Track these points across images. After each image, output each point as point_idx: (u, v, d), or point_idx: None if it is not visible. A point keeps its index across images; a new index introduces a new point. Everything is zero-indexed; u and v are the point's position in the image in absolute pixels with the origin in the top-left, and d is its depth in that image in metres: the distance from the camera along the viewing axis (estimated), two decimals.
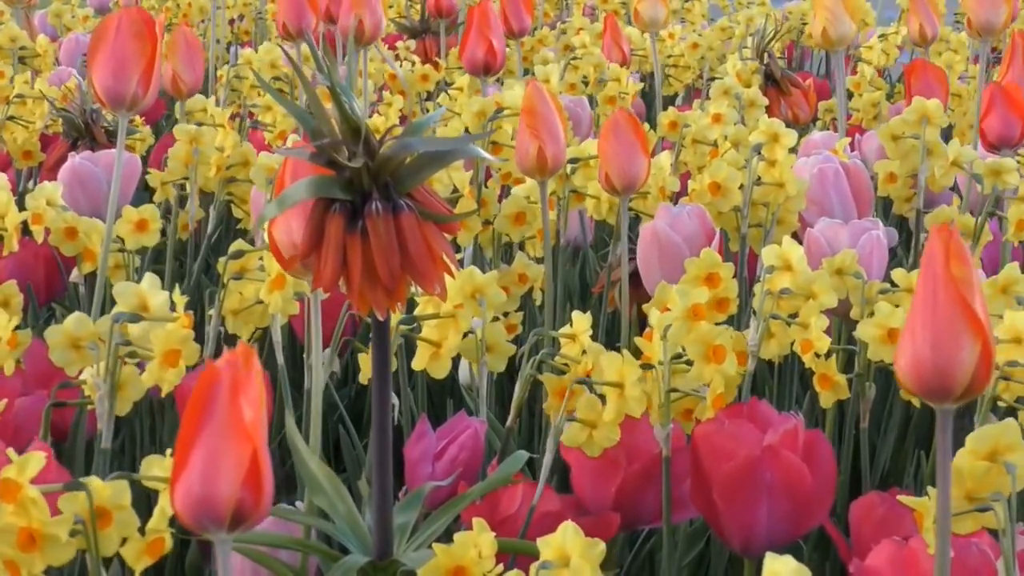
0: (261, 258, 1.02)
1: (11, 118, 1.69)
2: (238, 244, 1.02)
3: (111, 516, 0.73)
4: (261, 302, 1.04)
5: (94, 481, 0.73)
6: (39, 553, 0.71)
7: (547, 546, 0.70)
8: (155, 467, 0.75)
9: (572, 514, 0.91)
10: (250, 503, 0.54)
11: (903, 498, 0.75)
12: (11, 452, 0.72)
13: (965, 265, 0.60)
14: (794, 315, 1.01)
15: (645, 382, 0.90)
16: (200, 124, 1.54)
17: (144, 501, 1.07)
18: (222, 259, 1.02)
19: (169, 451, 0.76)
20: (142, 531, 0.74)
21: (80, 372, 0.90)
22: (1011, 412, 0.96)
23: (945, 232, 0.60)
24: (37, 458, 0.71)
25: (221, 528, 0.54)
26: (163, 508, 0.74)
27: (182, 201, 1.42)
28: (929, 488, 0.74)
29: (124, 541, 0.74)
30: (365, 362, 1.01)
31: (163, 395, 0.89)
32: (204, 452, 0.53)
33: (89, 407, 0.92)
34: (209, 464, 0.53)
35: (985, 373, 0.60)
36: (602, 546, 0.69)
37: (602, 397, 0.89)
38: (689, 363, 0.92)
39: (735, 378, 0.92)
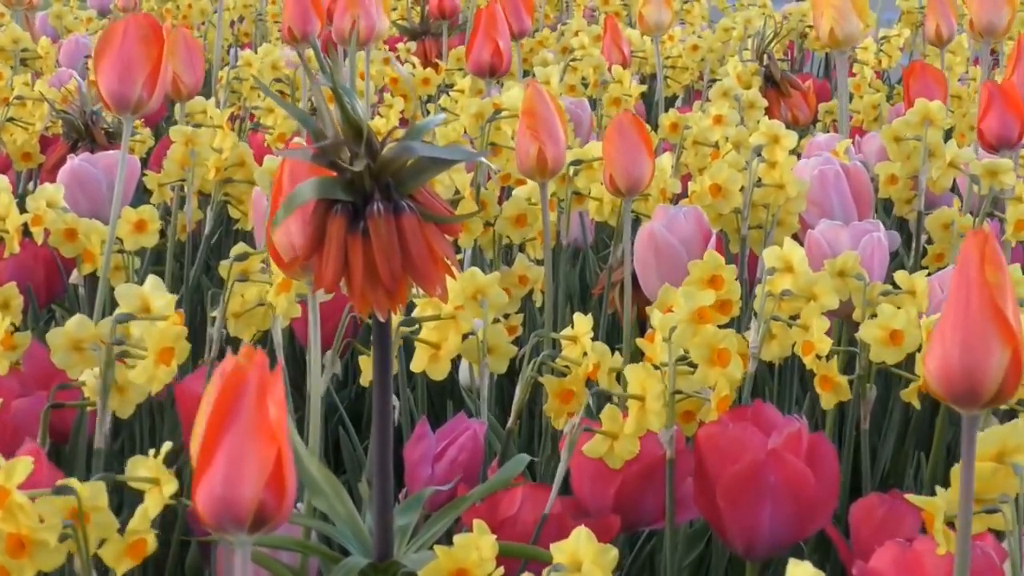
0: (264, 260, 1.02)
1: (11, 120, 1.69)
2: (241, 247, 1.02)
3: (88, 518, 0.73)
4: (263, 304, 1.04)
5: (75, 483, 0.73)
6: (28, 559, 0.71)
7: (559, 551, 0.70)
8: (140, 468, 0.75)
9: (572, 516, 0.91)
10: (272, 505, 0.53)
11: (912, 497, 0.75)
12: None
13: (999, 270, 0.59)
14: (795, 317, 1.01)
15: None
16: (199, 126, 1.54)
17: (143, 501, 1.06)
18: (224, 261, 1.02)
19: (152, 451, 0.76)
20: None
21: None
22: (1011, 414, 0.96)
23: (981, 236, 0.59)
24: (25, 463, 0.70)
25: (242, 530, 0.53)
26: (146, 509, 0.74)
27: (181, 202, 1.42)
28: (938, 488, 0.74)
29: (103, 543, 0.73)
30: (366, 364, 1.01)
31: (154, 393, 0.89)
32: (228, 453, 0.53)
33: (89, 408, 0.91)
34: (233, 465, 0.53)
35: (1015, 380, 0.59)
36: (614, 552, 0.69)
37: (607, 398, 0.89)
38: (692, 364, 0.92)
39: (736, 380, 0.92)
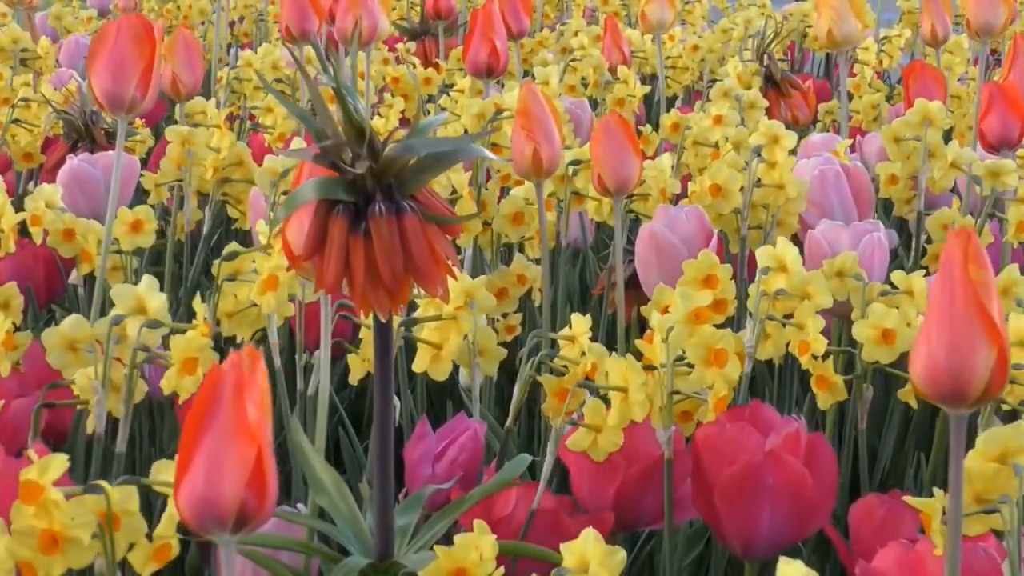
0: (255, 260, 1.02)
1: (15, 121, 1.69)
2: (231, 246, 1.02)
3: (119, 521, 0.73)
4: (256, 304, 1.04)
5: (106, 485, 0.73)
6: (60, 555, 0.71)
7: (568, 552, 0.70)
8: (164, 472, 0.75)
9: (567, 513, 0.91)
10: (254, 505, 0.53)
11: (910, 499, 0.74)
12: (32, 453, 0.72)
13: (983, 269, 0.59)
14: (790, 316, 1.01)
15: (648, 385, 0.90)
16: (198, 126, 1.54)
17: (144, 503, 1.06)
18: (216, 260, 1.02)
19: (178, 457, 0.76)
20: (149, 536, 0.74)
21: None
22: (1014, 415, 0.96)
23: (963, 235, 0.59)
24: (59, 460, 0.71)
25: (224, 530, 0.53)
26: (171, 513, 0.74)
27: (180, 202, 1.42)
28: (936, 490, 0.74)
29: (131, 546, 0.73)
30: (355, 363, 1.01)
31: (181, 403, 0.89)
32: (208, 453, 0.53)
33: (79, 407, 0.92)
34: (213, 465, 0.53)
35: (1000, 378, 0.59)
36: (622, 554, 0.69)
37: (604, 399, 0.89)
38: (689, 365, 0.92)
39: (733, 380, 0.92)
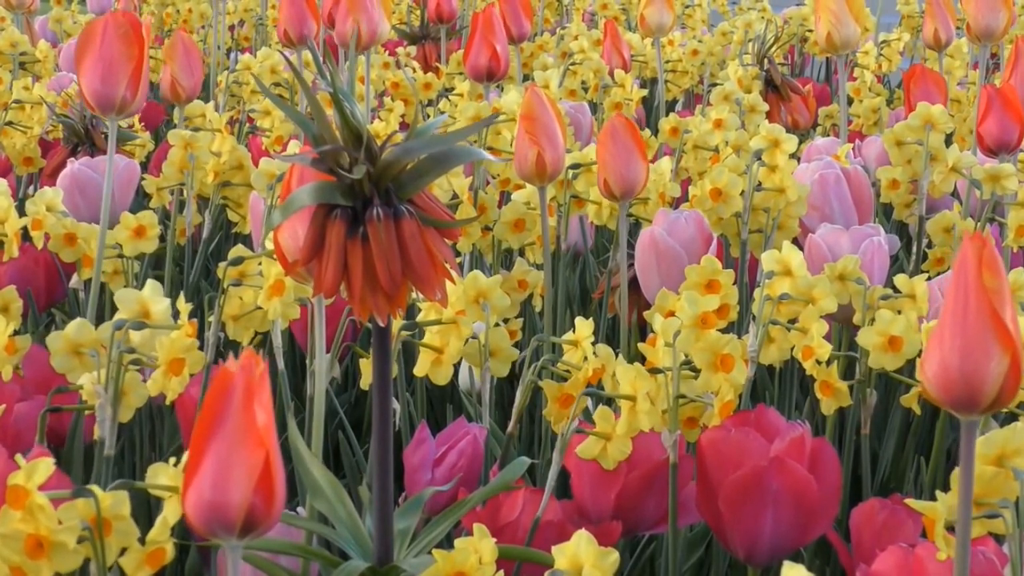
0: (260, 263, 1.02)
1: (9, 123, 1.69)
2: (237, 250, 1.02)
3: (110, 526, 0.73)
4: (261, 308, 1.04)
5: (96, 489, 0.73)
6: (46, 560, 0.71)
7: (561, 555, 0.70)
8: (161, 475, 0.75)
9: (573, 522, 0.91)
10: (261, 509, 0.53)
11: (913, 502, 0.74)
12: (19, 458, 0.72)
13: (997, 275, 0.59)
14: (794, 320, 1.01)
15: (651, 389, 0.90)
16: (198, 129, 1.54)
17: (144, 507, 1.06)
18: (222, 264, 1.02)
19: (173, 460, 0.76)
20: (144, 540, 0.74)
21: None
22: (1011, 418, 0.96)
23: (978, 240, 0.59)
24: (46, 464, 0.71)
25: (232, 534, 0.53)
26: (165, 518, 0.74)
27: (180, 206, 1.42)
28: (938, 493, 0.74)
29: (124, 551, 0.73)
30: (366, 367, 1.01)
31: (168, 403, 0.89)
32: (216, 457, 0.53)
33: (87, 412, 0.91)
34: (221, 469, 0.53)
35: (1014, 385, 0.59)
36: (615, 556, 0.69)
37: (608, 403, 0.89)
38: (693, 369, 0.91)
39: (740, 385, 0.92)
